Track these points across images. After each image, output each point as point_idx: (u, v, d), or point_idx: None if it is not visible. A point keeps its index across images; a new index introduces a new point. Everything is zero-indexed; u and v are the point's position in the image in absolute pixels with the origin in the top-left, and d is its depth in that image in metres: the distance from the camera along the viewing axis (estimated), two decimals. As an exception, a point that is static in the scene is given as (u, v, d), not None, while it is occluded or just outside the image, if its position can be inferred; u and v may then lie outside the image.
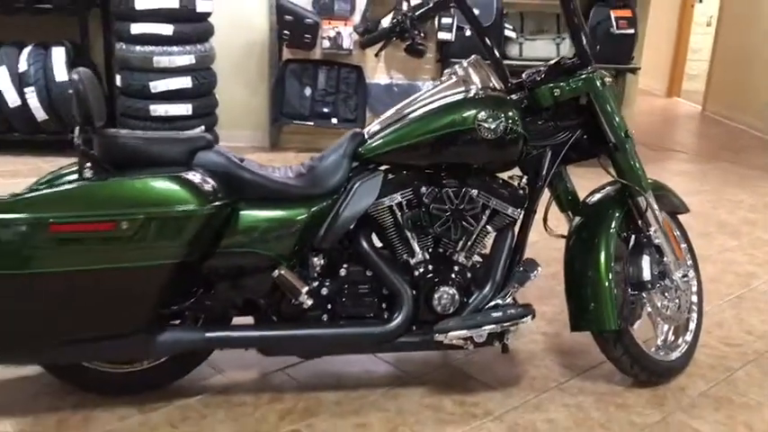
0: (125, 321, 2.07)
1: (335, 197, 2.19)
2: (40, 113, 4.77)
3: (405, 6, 2.44)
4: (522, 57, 5.33)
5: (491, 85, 2.30)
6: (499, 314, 2.25)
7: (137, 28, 4.69)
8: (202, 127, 4.95)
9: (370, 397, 2.36)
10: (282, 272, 2.14)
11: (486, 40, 2.39)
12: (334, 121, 5.41)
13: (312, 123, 5.42)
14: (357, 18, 5.29)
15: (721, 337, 2.86)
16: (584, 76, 2.28)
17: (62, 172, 2.12)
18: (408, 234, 2.26)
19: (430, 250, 2.30)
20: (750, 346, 2.80)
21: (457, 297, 2.27)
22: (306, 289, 2.16)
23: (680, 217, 2.65)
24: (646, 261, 2.33)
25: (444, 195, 2.22)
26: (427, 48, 2.51)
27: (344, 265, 2.26)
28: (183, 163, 2.08)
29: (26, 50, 4.81)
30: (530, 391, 2.43)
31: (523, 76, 2.35)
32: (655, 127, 7.34)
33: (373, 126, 2.30)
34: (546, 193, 2.40)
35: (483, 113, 2.17)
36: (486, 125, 2.16)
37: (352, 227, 2.22)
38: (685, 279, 2.47)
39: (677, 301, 2.45)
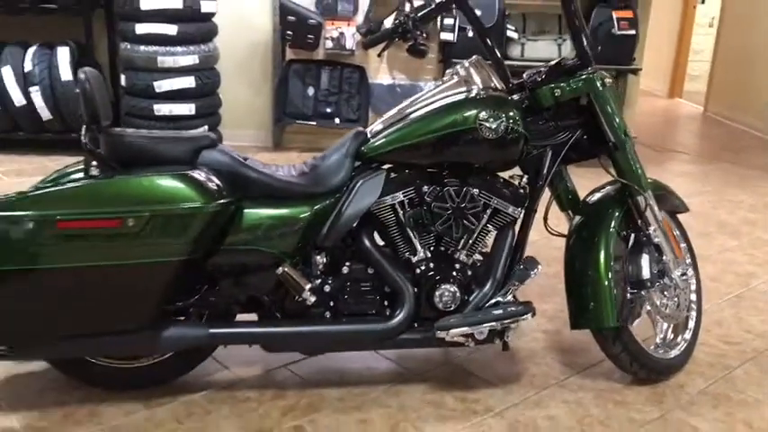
0: (130, 317, 2.10)
1: (338, 196, 2.21)
2: (44, 113, 4.80)
3: (407, 7, 2.44)
4: (523, 57, 5.33)
5: (492, 85, 2.32)
6: (500, 312, 2.26)
7: (141, 28, 4.71)
8: (206, 126, 4.97)
9: (372, 393, 2.38)
10: (286, 269, 2.16)
11: (488, 40, 2.41)
12: (337, 121, 5.42)
13: (315, 123, 5.43)
14: (360, 18, 5.29)
15: (720, 336, 2.87)
16: (584, 77, 2.30)
17: (68, 170, 2.14)
18: (410, 232, 2.28)
19: (431, 248, 2.32)
20: (749, 344, 2.82)
21: (458, 295, 2.28)
22: (309, 286, 2.19)
23: (680, 217, 2.67)
24: (645, 260, 2.35)
25: (446, 194, 2.24)
26: (429, 48, 2.54)
27: (347, 263, 2.28)
28: (187, 161, 2.11)
29: (31, 50, 4.84)
30: (530, 387, 2.45)
31: (524, 76, 2.36)
32: (656, 128, 7.33)
33: (376, 125, 2.32)
34: (546, 193, 2.42)
35: (484, 113, 2.19)
36: (488, 125, 2.18)
37: (354, 225, 2.24)
38: (684, 277, 2.49)
39: (676, 299, 2.46)
